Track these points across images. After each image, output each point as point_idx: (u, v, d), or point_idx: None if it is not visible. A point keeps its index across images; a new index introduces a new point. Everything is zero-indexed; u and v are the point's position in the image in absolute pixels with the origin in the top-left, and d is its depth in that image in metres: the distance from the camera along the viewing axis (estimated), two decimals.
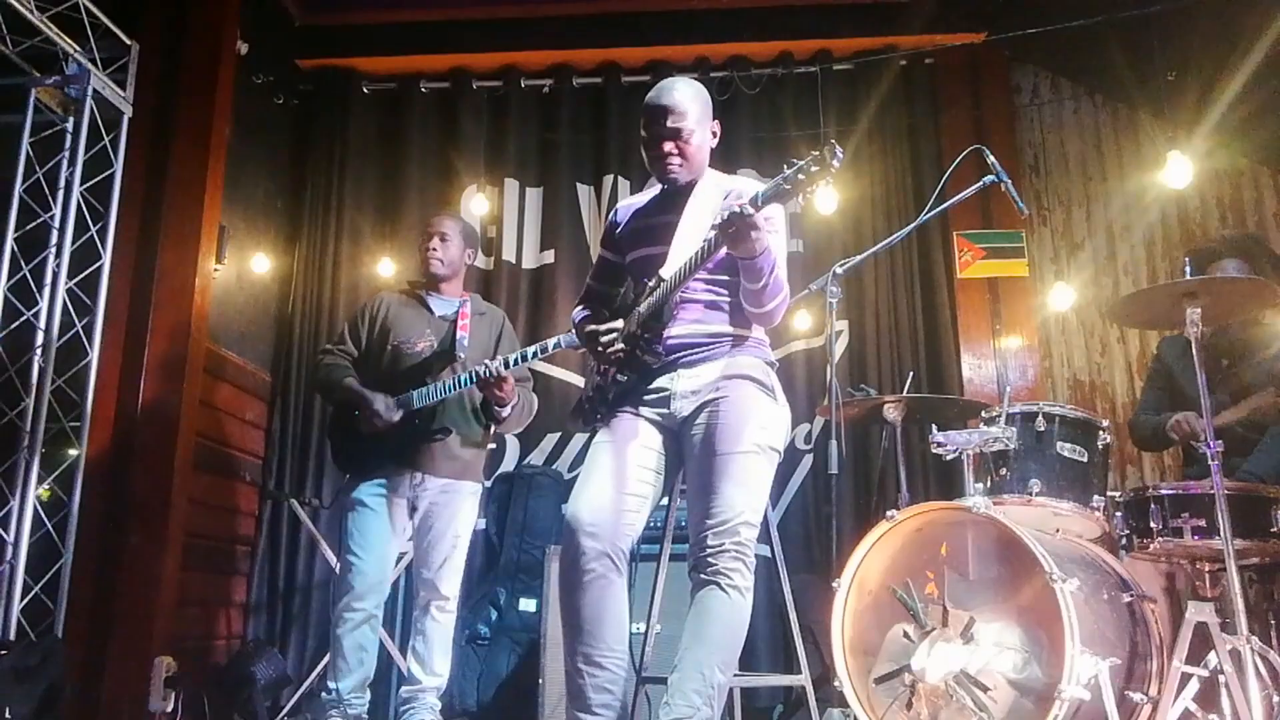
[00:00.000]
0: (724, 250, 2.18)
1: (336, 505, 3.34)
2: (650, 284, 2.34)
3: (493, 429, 3.36)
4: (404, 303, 3.37)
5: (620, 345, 2.34)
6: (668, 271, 2.30)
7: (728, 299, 2.38)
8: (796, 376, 4.35)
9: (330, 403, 3.40)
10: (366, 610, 3.11)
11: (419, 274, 3.44)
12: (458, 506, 3.23)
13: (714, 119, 2.47)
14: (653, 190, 2.56)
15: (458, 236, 3.37)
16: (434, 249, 3.32)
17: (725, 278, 2.37)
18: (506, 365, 3.08)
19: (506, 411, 3.21)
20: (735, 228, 2.05)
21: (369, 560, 3.13)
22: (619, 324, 2.38)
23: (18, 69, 3.65)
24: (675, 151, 2.37)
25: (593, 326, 2.42)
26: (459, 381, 3.12)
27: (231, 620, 4.21)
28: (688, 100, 2.37)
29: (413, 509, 3.24)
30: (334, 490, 4.26)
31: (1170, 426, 3.17)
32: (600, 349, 2.38)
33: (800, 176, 2.01)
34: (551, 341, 3.09)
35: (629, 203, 2.61)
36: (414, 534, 3.26)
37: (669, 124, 2.35)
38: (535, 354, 3.08)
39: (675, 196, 2.45)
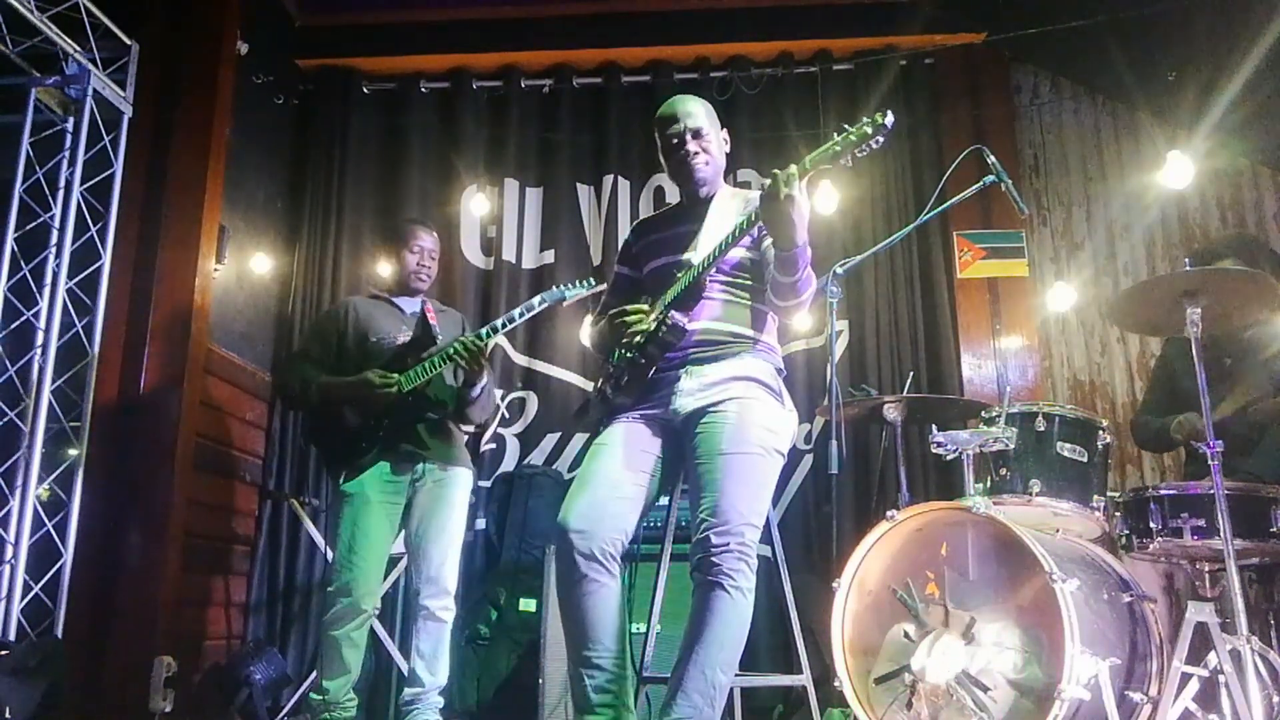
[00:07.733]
0: (748, 240, 2.28)
1: (334, 501, 3.33)
2: (679, 273, 2.38)
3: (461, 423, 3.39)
4: (373, 305, 3.42)
5: (647, 325, 2.36)
6: (697, 257, 2.35)
7: (745, 302, 2.43)
8: (796, 376, 4.34)
9: (307, 405, 3.30)
10: (363, 609, 3.09)
11: (398, 281, 3.41)
12: (454, 498, 3.23)
13: (722, 127, 2.57)
14: (668, 207, 2.61)
15: (437, 251, 3.50)
16: (425, 264, 3.41)
17: (743, 279, 2.42)
18: (495, 330, 3.16)
19: (476, 391, 3.22)
20: (777, 193, 2.10)
21: (368, 557, 3.10)
22: (645, 305, 2.41)
23: (18, 69, 3.65)
24: (700, 150, 2.48)
25: (617, 310, 2.44)
26: (443, 357, 3.14)
27: (231, 620, 4.20)
28: (699, 106, 2.52)
29: (409, 506, 3.23)
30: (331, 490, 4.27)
31: (1174, 428, 3.17)
32: (626, 326, 2.39)
33: (853, 138, 2.11)
34: (536, 299, 3.19)
35: (644, 220, 2.70)
36: (410, 534, 3.24)
37: (689, 124, 2.47)
38: (521, 314, 3.17)
39: (693, 208, 2.53)
